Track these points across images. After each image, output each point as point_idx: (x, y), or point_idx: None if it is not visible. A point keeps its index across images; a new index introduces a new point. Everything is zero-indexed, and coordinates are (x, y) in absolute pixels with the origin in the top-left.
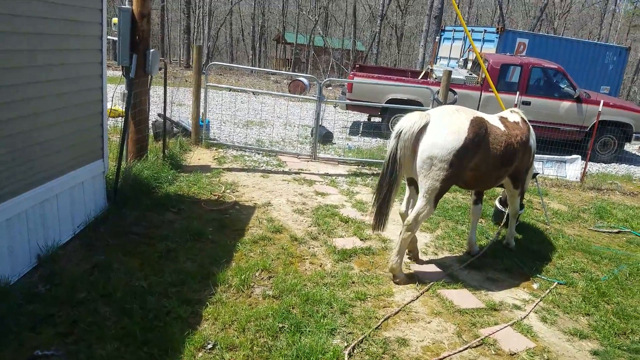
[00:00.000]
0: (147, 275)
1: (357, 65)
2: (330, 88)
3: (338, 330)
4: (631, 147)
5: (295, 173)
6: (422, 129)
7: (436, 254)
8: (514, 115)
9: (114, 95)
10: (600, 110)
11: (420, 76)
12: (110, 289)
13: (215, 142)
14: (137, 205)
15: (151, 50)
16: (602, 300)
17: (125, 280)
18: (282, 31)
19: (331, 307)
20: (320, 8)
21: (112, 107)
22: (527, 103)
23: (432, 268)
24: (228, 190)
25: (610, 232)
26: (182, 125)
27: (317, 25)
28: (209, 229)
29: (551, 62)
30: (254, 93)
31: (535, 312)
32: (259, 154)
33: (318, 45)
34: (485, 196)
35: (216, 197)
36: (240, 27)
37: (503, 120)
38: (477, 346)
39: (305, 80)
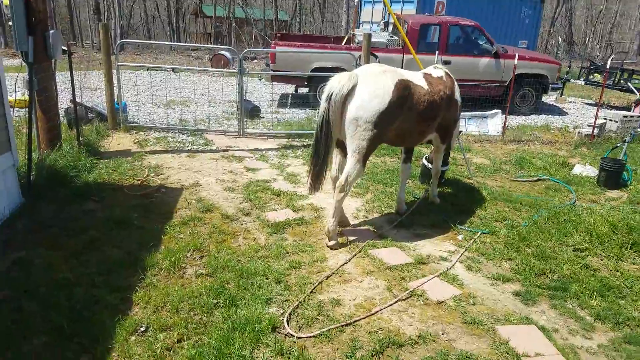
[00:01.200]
0: (72, 267)
1: (279, 35)
2: (256, 61)
3: (274, 299)
4: (548, 98)
5: (224, 151)
6: (350, 91)
7: (367, 217)
8: (438, 71)
9: (16, 84)
10: (515, 64)
11: (344, 42)
12: (33, 285)
13: (135, 124)
14: (54, 198)
15: (51, 32)
16: (523, 245)
17: (49, 274)
18: (200, 4)
19: (266, 279)
20: None
21: (20, 98)
22: (448, 62)
23: (364, 231)
24: (152, 174)
25: (530, 181)
26: (96, 109)
27: None
28: (134, 215)
29: (468, 19)
30: (173, 70)
31: (461, 262)
32: (183, 134)
33: (239, 17)
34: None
35: (139, 182)
36: (154, 2)
37: (427, 76)
38: (406, 298)
39: (227, 54)
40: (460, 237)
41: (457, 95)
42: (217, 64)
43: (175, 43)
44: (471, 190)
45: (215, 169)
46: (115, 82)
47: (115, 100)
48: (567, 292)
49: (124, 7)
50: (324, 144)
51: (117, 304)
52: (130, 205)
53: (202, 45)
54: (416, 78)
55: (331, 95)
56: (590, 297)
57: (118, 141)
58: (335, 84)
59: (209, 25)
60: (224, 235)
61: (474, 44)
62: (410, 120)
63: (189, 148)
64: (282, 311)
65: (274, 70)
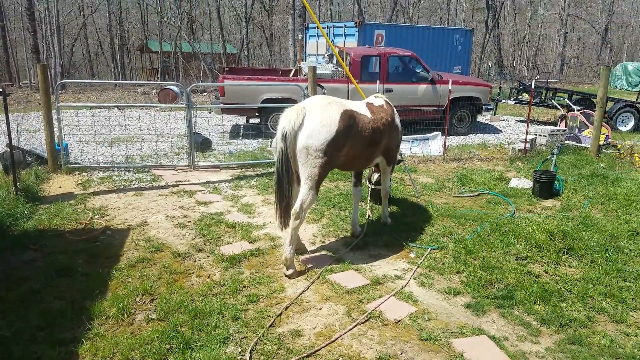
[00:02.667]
0: (10, 322)
1: (227, 68)
2: (206, 93)
3: (231, 338)
4: (483, 118)
5: (173, 186)
6: (301, 123)
7: (323, 242)
8: (379, 100)
9: None
10: (450, 88)
11: (291, 74)
12: None
13: (77, 165)
14: None
15: None
16: (469, 257)
17: None
18: (145, 40)
19: (222, 317)
20: (182, 13)
21: None
22: (390, 90)
23: (321, 256)
24: (96, 216)
25: (471, 196)
26: (35, 152)
27: (181, 32)
28: (78, 261)
29: (405, 49)
30: (118, 108)
31: (414, 279)
32: (129, 171)
33: (187, 51)
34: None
35: (83, 225)
36: (97, 40)
37: (369, 105)
38: (365, 321)
39: (175, 88)
40: (412, 255)
41: (397, 120)
42: (164, 98)
43: (119, 81)
44: (419, 208)
45: (165, 206)
46: (55, 122)
47: (56, 141)
48: (514, 300)
49: (65, 45)
50: (286, 180)
51: (61, 359)
52: (74, 251)
53: (147, 82)
54: (359, 107)
55: (285, 134)
56: (535, 302)
57: (60, 184)
58: (287, 122)
59: (156, 61)
60: (175, 275)
61: (412, 72)
62: (357, 146)
63: (135, 186)
64: (240, 349)
65: (223, 103)
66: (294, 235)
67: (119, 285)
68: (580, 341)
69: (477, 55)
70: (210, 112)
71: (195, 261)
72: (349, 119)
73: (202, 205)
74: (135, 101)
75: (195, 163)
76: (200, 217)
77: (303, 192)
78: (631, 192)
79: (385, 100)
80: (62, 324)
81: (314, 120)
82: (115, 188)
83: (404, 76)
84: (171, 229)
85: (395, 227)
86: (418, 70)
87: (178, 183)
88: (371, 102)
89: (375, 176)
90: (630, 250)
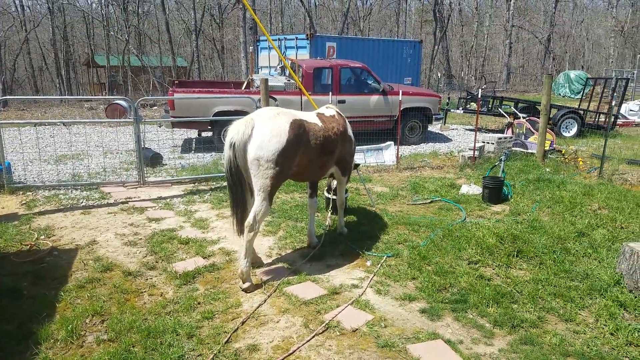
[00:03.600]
0: None
1: (176, 82)
2: (156, 107)
3: (186, 356)
4: (434, 127)
5: (123, 203)
6: (250, 135)
7: (280, 254)
8: (330, 110)
9: None
10: (400, 99)
11: (244, 86)
12: None
13: (21, 185)
14: None
15: None
16: (423, 263)
17: None
18: (91, 54)
19: (177, 335)
20: (130, 27)
21: None
22: (343, 101)
23: (278, 268)
24: (42, 237)
25: (424, 203)
26: None
27: (129, 45)
28: (24, 283)
29: (357, 61)
30: (64, 124)
31: (371, 287)
32: (76, 189)
33: (135, 65)
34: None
35: (28, 247)
36: (41, 55)
37: (320, 116)
38: (323, 332)
39: (123, 103)
40: (368, 263)
41: (350, 131)
42: (112, 113)
43: (65, 96)
44: (374, 217)
45: (114, 224)
46: None
47: None
48: (467, 304)
49: (6, 60)
50: (239, 188)
51: None
52: (19, 274)
53: (93, 97)
54: (310, 117)
55: (234, 143)
56: (487, 305)
57: (2, 205)
58: (235, 133)
59: (103, 75)
60: (126, 295)
61: (364, 84)
62: (309, 156)
63: (83, 204)
64: None
65: (173, 117)
66: (248, 248)
67: (68, 307)
68: (532, 341)
69: (426, 67)
70: (160, 127)
71: (147, 279)
72: (299, 128)
73: (154, 221)
74: (82, 117)
75: (146, 179)
76: (152, 234)
77: (256, 203)
78: (576, 195)
79: (337, 111)
80: (8, 348)
81: (263, 131)
82: (61, 207)
83: (356, 88)
84: (121, 247)
85: (351, 236)
86: (370, 82)
87: (128, 200)
88: (322, 113)
89: (335, 184)
90: (577, 251)
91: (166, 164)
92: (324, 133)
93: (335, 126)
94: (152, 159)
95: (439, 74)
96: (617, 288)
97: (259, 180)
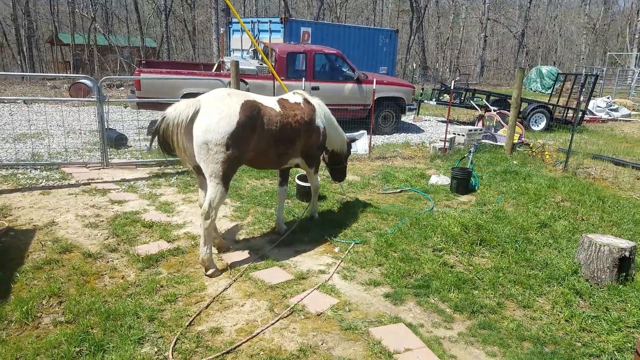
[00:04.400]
0: None
1: (143, 62)
2: (122, 88)
3: (147, 338)
4: (407, 118)
5: (85, 184)
6: (194, 116)
7: (248, 239)
8: (296, 97)
9: None
10: (374, 88)
11: (214, 69)
12: None
13: None
14: None
15: None
16: (390, 250)
17: None
18: (55, 32)
19: (138, 317)
20: (96, 5)
21: None
22: (316, 88)
23: (245, 254)
24: None
25: (394, 193)
26: None
27: (95, 23)
28: None
29: (332, 48)
30: (24, 102)
31: (338, 273)
32: (36, 169)
33: (102, 44)
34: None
35: None
36: (1, 30)
37: (282, 101)
38: (288, 315)
39: (88, 82)
40: (336, 250)
41: (319, 121)
42: (76, 93)
43: (26, 73)
44: (345, 205)
45: (75, 205)
46: None
47: None
48: (430, 289)
49: None
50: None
51: None
52: None
53: (57, 74)
54: (267, 101)
55: (165, 118)
56: (449, 291)
57: None
58: (173, 111)
59: (68, 54)
60: (86, 277)
61: (338, 71)
62: (265, 142)
63: (42, 184)
64: (156, 349)
65: (139, 97)
66: (207, 235)
67: (23, 288)
68: (490, 326)
69: (402, 57)
70: (125, 107)
71: (108, 262)
72: (251, 110)
73: (116, 204)
74: (45, 96)
75: (109, 160)
76: (114, 217)
77: (210, 190)
78: (541, 187)
79: (305, 99)
80: None
81: (211, 113)
82: (19, 187)
83: (331, 75)
84: (82, 229)
85: (320, 223)
86: (344, 69)
87: (90, 181)
88: (286, 99)
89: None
90: (538, 240)
91: (131, 146)
92: (282, 119)
93: (298, 114)
94: (116, 140)
95: (414, 65)
96: (574, 277)
97: (209, 166)
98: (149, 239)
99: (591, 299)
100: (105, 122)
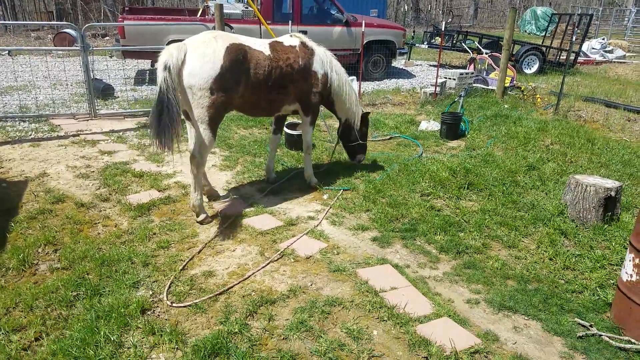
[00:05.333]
0: None
1: (127, 8)
2: (108, 37)
3: (142, 282)
4: (398, 63)
5: (74, 135)
6: (183, 60)
7: (238, 188)
8: (292, 40)
9: None
10: (363, 31)
11: (199, 14)
12: None
13: None
14: None
15: None
16: (378, 196)
17: None
18: None
19: (132, 263)
20: None
21: None
22: (304, 32)
23: (235, 201)
24: None
25: (384, 140)
26: None
27: None
28: None
29: None
30: (9, 53)
31: (327, 219)
32: (24, 121)
33: None
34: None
35: None
36: None
37: (274, 44)
38: (278, 259)
39: (72, 32)
40: (325, 197)
41: (317, 66)
42: (61, 43)
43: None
44: (334, 153)
45: (65, 156)
46: None
47: None
48: (416, 232)
49: None
50: (174, 109)
51: None
52: None
53: (40, 23)
54: (256, 44)
55: (169, 66)
56: (435, 233)
57: None
58: (169, 56)
59: (51, 3)
60: (80, 225)
61: (327, 14)
62: (254, 87)
63: (32, 136)
64: (151, 292)
65: (123, 46)
66: (197, 180)
67: (19, 237)
68: (475, 265)
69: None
70: (111, 57)
71: (100, 211)
72: (237, 53)
73: (106, 154)
74: (29, 47)
75: (97, 111)
76: (105, 167)
77: (197, 134)
78: (530, 130)
79: (302, 42)
80: None
81: (195, 56)
82: (9, 139)
83: (319, 18)
84: (73, 179)
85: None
86: (333, 12)
87: (79, 132)
88: (280, 42)
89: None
90: (526, 183)
91: (118, 96)
92: (271, 63)
93: (291, 57)
94: (103, 91)
95: (406, 7)
96: (560, 218)
97: (196, 110)
98: (140, 189)
99: (576, 239)
100: (92, 72)
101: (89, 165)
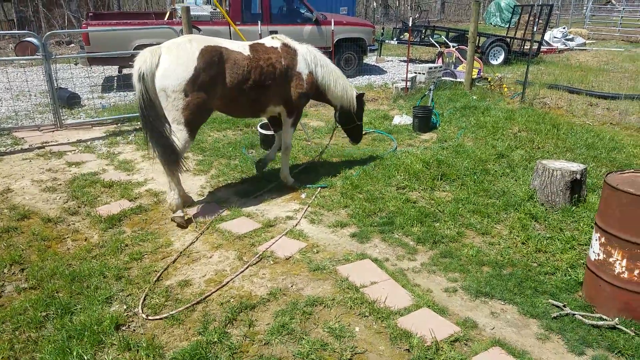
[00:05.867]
0: None
1: (90, 14)
2: (73, 45)
3: (115, 297)
4: (370, 60)
5: (39, 148)
6: (157, 64)
7: (213, 192)
8: (274, 41)
9: None
10: (333, 29)
11: (166, 17)
12: None
13: None
14: None
15: None
16: (355, 192)
17: None
18: None
19: (104, 277)
20: None
21: None
22: (275, 32)
23: (211, 206)
24: None
25: None
26: None
27: None
28: None
29: None
30: None
31: (305, 218)
32: None
33: None
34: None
35: None
36: None
37: (255, 46)
38: (257, 262)
39: (35, 40)
40: (303, 195)
41: (302, 67)
42: (23, 52)
43: None
44: (310, 151)
45: (30, 170)
46: None
47: None
48: (394, 225)
49: None
50: (155, 122)
51: None
52: None
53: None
54: (234, 46)
55: (142, 74)
56: (412, 225)
57: None
58: (142, 63)
59: (12, 11)
60: (47, 242)
61: (296, 13)
62: (233, 87)
63: None
64: (125, 307)
65: (88, 53)
66: (173, 181)
67: None
68: (451, 254)
69: None
70: (76, 64)
71: (69, 225)
72: (212, 55)
73: (74, 166)
74: None
75: (63, 121)
76: (72, 179)
77: (177, 137)
78: (498, 119)
79: (284, 43)
80: None
81: (168, 59)
82: None
83: (288, 17)
84: (39, 194)
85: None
86: (302, 11)
87: (44, 144)
88: (261, 43)
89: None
90: (496, 171)
91: (85, 105)
92: (250, 63)
93: (272, 57)
94: (69, 100)
95: (375, 4)
96: (530, 202)
97: (170, 113)
98: (110, 199)
99: (546, 222)
100: (55, 82)
101: (55, 178)
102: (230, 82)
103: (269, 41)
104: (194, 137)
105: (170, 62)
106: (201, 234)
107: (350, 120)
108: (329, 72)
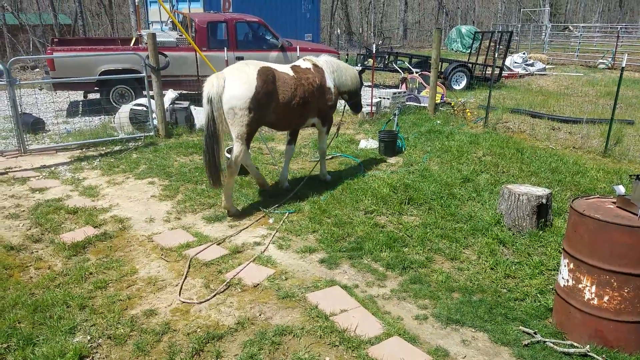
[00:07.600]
0: None
1: (56, 40)
2: (38, 69)
3: (79, 327)
4: None
5: (1, 174)
6: (223, 87)
7: (179, 218)
8: (306, 63)
9: None
10: (298, 55)
11: (132, 43)
12: None
13: None
14: None
15: None
16: (324, 216)
17: None
18: None
19: (67, 307)
20: None
21: None
22: (241, 58)
23: (177, 232)
24: None
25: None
26: None
27: (2, 2)
28: None
29: (253, 16)
30: None
31: (273, 243)
32: None
33: (12, 23)
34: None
35: None
36: None
37: (295, 67)
38: (224, 290)
39: None
40: (271, 221)
41: (329, 82)
42: None
43: None
44: (277, 175)
45: None
46: None
47: None
48: (363, 250)
49: None
50: (215, 140)
51: None
52: None
53: None
54: (281, 68)
55: (211, 98)
56: (381, 250)
57: None
58: (210, 87)
59: None
60: (9, 270)
61: (262, 39)
62: (285, 102)
63: None
64: (90, 337)
65: (53, 78)
66: (228, 187)
67: None
68: (420, 280)
69: (327, 23)
70: (40, 89)
71: (32, 253)
72: (267, 74)
73: (37, 192)
74: None
75: (27, 147)
76: (36, 205)
77: (236, 148)
78: (463, 144)
79: (314, 64)
80: None
81: (233, 82)
82: None
83: (254, 43)
84: (1, 220)
85: (254, 195)
86: (268, 38)
87: (7, 170)
88: (297, 65)
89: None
90: (462, 195)
91: (50, 130)
92: (296, 82)
93: (310, 77)
94: (33, 125)
95: (339, 31)
96: (497, 227)
97: (235, 129)
98: (75, 226)
99: (514, 247)
100: (19, 106)
101: (18, 205)
102: (282, 98)
103: (302, 63)
104: (249, 147)
105: (235, 84)
106: (167, 262)
107: (354, 94)
108: (341, 72)
